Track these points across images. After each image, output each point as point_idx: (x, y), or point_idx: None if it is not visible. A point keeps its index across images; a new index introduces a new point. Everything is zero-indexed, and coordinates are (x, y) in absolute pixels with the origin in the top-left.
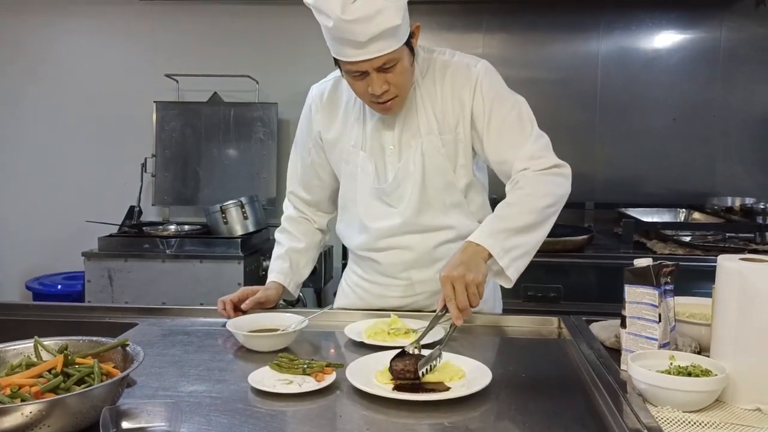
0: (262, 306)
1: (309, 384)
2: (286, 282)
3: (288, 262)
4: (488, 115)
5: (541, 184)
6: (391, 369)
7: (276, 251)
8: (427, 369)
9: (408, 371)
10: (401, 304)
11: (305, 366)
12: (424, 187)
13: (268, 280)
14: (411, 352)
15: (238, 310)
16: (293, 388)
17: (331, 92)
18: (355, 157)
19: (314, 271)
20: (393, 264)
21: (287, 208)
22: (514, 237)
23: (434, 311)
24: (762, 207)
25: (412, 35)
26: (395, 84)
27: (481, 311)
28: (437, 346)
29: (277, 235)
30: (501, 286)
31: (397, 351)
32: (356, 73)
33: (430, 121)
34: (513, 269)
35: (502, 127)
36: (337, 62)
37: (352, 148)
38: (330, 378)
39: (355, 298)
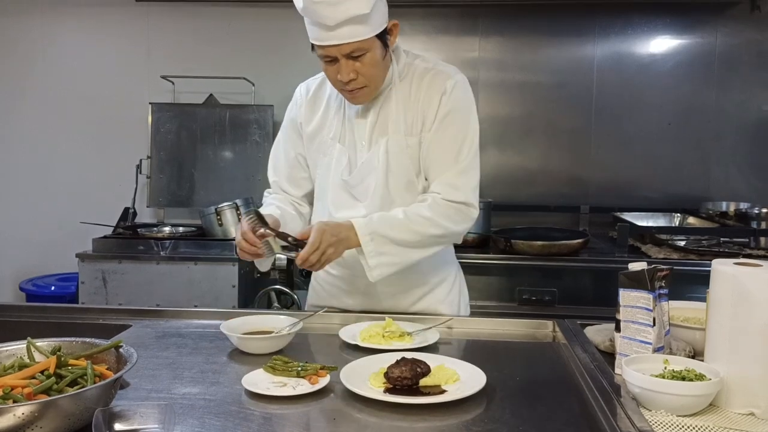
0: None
1: (303, 386)
2: (279, 220)
3: (279, 211)
4: (436, 128)
5: (441, 216)
6: (386, 376)
7: (263, 207)
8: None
9: (405, 378)
10: (365, 303)
11: (299, 368)
12: (386, 183)
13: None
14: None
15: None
16: (287, 391)
17: (317, 88)
18: (333, 149)
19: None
20: (355, 255)
21: (271, 193)
22: (389, 245)
23: (409, 313)
24: (756, 212)
25: (389, 32)
26: (363, 74)
27: (441, 313)
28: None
29: (264, 204)
30: (468, 289)
31: (392, 354)
32: (327, 58)
33: (398, 122)
34: (378, 273)
35: (440, 144)
36: (314, 48)
37: (330, 140)
38: (324, 380)
39: (326, 295)
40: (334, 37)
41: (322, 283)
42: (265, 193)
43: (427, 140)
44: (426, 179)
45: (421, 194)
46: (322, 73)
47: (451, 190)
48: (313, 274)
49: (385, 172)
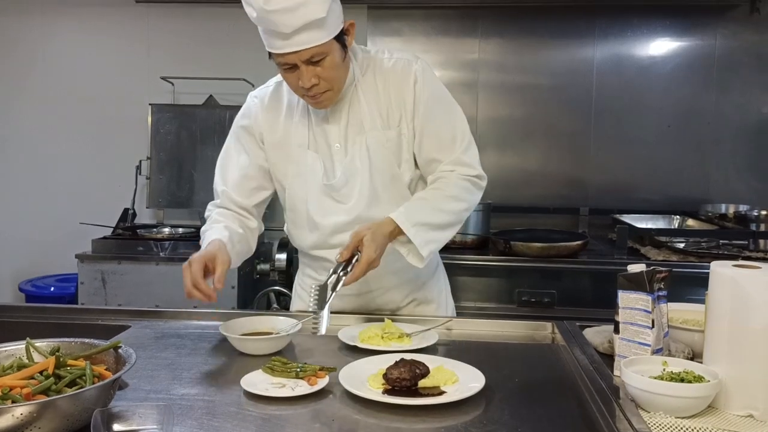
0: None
1: (302, 387)
2: (228, 246)
3: (228, 233)
4: (424, 116)
5: (462, 190)
6: (385, 377)
7: (209, 225)
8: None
9: (403, 379)
10: (357, 304)
11: (298, 369)
12: (372, 182)
13: (208, 241)
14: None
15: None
16: (286, 392)
17: (273, 96)
18: (304, 157)
19: None
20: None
21: (218, 207)
22: (432, 231)
23: (402, 313)
24: (755, 214)
25: (346, 32)
26: (325, 78)
27: (431, 315)
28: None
29: (209, 221)
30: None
31: (391, 355)
32: (286, 66)
33: (373, 117)
34: (429, 259)
35: (435, 130)
36: (271, 56)
37: (298, 147)
38: (323, 381)
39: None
40: (292, 44)
41: (308, 289)
42: (210, 206)
43: (416, 132)
44: (417, 167)
45: (431, 176)
46: (274, 80)
47: (463, 167)
48: (298, 282)
49: (370, 171)
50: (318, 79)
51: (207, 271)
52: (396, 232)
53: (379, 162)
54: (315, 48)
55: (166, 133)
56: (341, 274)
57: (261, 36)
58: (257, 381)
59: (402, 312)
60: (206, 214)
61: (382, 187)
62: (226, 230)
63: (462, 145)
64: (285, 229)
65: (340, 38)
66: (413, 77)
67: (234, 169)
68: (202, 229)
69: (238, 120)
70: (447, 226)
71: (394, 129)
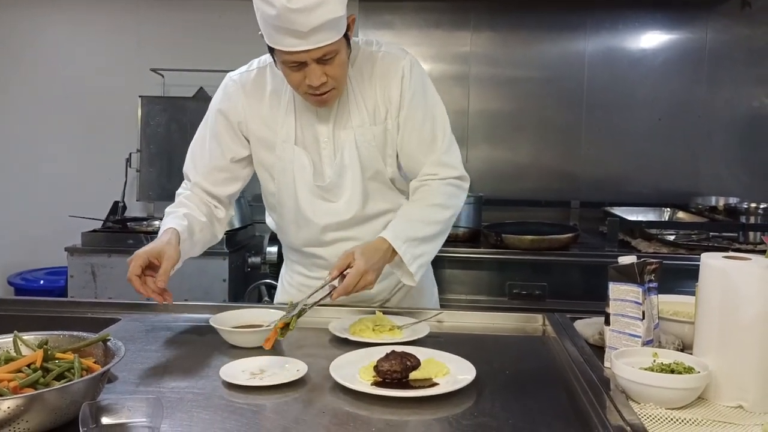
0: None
1: (278, 376)
2: (183, 236)
3: (186, 222)
4: (406, 113)
5: (446, 196)
6: (376, 369)
7: (172, 208)
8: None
9: (394, 372)
10: (351, 295)
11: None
12: (362, 178)
13: (163, 230)
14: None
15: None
16: (269, 380)
17: (254, 84)
18: (290, 153)
19: None
20: (338, 256)
21: (188, 191)
22: (422, 245)
23: (382, 304)
24: (745, 207)
25: (348, 28)
26: (333, 76)
27: (422, 307)
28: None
29: (174, 204)
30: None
31: (382, 347)
32: (293, 64)
33: (361, 113)
34: (419, 274)
35: (417, 128)
36: (271, 51)
37: (283, 143)
38: (302, 369)
39: (299, 294)
40: (307, 43)
41: (296, 285)
42: (181, 188)
43: (399, 127)
44: (400, 166)
45: (414, 181)
46: (256, 64)
47: (445, 169)
48: (286, 278)
49: (360, 167)
50: (326, 77)
51: (153, 267)
52: (390, 251)
53: (366, 158)
54: (328, 46)
55: (156, 125)
56: (329, 292)
57: (266, 33)
58: (237, 372)
59: (392, 301)
60: (177, 191)
61: (371, 182)
62: (185, 219)
63: (442, 147)
64: (270, 223)
65: (346, 34)
66: (401, 73)
67: (207, 158)
68: (167, 209)
69: (216, 103)
70: (435, 236)
71: (380, 125)
